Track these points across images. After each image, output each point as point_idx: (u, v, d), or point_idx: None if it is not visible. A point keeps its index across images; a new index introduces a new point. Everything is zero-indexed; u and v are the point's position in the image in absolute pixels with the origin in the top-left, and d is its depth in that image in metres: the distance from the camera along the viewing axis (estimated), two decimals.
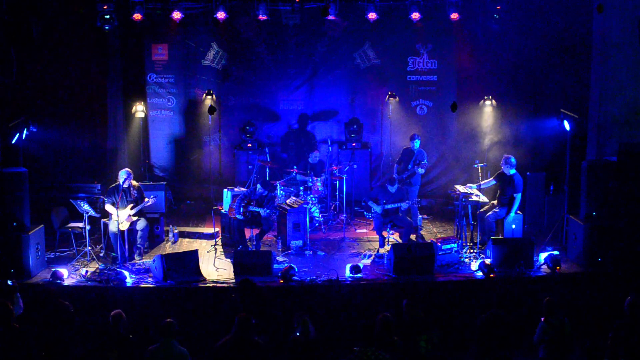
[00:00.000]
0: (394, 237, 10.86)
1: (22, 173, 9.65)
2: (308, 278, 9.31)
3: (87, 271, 9.53)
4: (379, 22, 12.99)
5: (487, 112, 13.40)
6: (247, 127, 13.47)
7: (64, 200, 11.10)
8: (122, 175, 10.29)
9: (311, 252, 10.62)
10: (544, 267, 9.70)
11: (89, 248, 10.17)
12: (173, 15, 12.66)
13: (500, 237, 10.42)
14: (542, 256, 9.80)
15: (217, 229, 11.19)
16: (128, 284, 9.17)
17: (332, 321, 8.75)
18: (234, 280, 9.29)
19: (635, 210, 9.70)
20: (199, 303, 8.97)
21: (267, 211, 10.37)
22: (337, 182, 12.26)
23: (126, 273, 9.30)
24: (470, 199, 10.52)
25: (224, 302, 8.74)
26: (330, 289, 9.10)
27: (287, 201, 11.20)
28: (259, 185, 10.60)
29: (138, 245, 10.33)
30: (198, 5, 12.94)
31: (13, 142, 10.30)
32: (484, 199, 10.79)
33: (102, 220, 10.63)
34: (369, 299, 9.07)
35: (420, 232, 11.64)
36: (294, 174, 12.29)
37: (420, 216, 11.80)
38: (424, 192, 13.30)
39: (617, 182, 9.75)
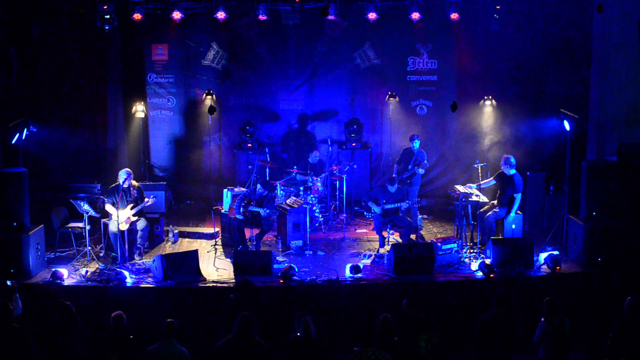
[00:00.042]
0: (394, 237, 10.86)
1: (22, 173, 9.64)
2: (308, 278, 9.31)
3: (87, 271, 9.53)
4: (379, 22, 12.99)
5: (487, 112, 13.40)
6: (247, 127, 13.47)
7: (64, 200, 11.11)
8: (122, 175, 10.29)
9: (311, 252, 10.62)
10: (544, 267, 9.70)
11: (89, 248, 10.17)
12: (173, 15, 12.66)
13: (500, 237, 10.41)
14: (542, 256, 9.80)
15: (217, 229, 11.19)
16: (128, 284, 9.17)
17: (332, 321, 8.74)
18: (234, 280, 9.29)
19: (635, 210, 9.70)
20: (199, 303, 8.97)
21: (267, 211, 10.37)
22: (337, 182, 12.26)
23: (126, 273, 9.30)
24: (470, 199, 10.52)
25: (224, 302, 8.73)
26: (330, 289, 9.09)
27: (287, 201, 11.20)
28: (259, 185, 10.60)
29: (138, 245, 10.33)
30: (198, 5, 12.94)
31: (13, 142, 10.30)
32: (484, 199, 10.79)
33: (102, 220, 10.63)
34: (369, 299, 9.07)
35: (420, 232, 11.64)
36: (294, 174, 12.30)
37: (420, 216, 11.80)
38: (424, 192, 13.31)
39: (617, 182, 9.75)
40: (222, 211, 11.31)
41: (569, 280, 9.50)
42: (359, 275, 9.38)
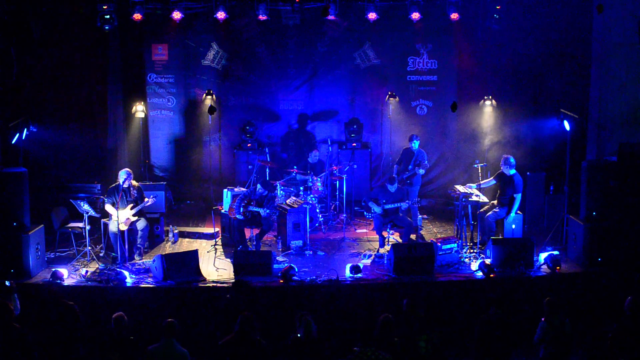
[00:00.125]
0: (394, 237, 10.86)
1: (22, 173, 9.64)
2: (308, 278, 9.30)
3: (87, 271, 9.53)
4: (379, 22, 12.98)
5: (487, 112, 13.40)
6: (247, 127, 13.46)
7: (64, 200, 11.11)
8: (122, 175, 10.29)
9: (311, 252, 10.62)
10: (544, 267, 9.70)
11: (89, 248, 10.17)
12: (173, 15, 12.65)
13: (500, 237, 10.42)
14: (542, 256, 9.80)
15: (217, 229, 11.19)
16: (128, 284, 9.17)
17: (332, 321, 8.75)
18: (233, 281, 9.28)
19: (635, 210, 9.70)
20: (199, 303, 8.97)
21: (267, 211, 10.36)
22: (337, 182, 12.26)
23: (126, 273, 9.30)
24: (470, 199, 10.52)
25: (221, 302, 8.74)
26: (330, 289, 9.10)
27: (287, 201, 11.20)
28: (259, 185, 10.60)
29: (138, 245, 10.33)
30: (198, 5, 12.94)
31: (13, 142, 10.30)
32: (484, 199, 10.80)
33: (102, 220, 10.63)
34: (369, 299, 9.07)
35: (420, 232, 11.63)
36: (294, 174, 12.30)
37: (420, 216, 11.80)
38: (424, 192, 13.30)
39: (617, 182, 9.75)
40: (222, 211, 11.31)
41: (569, 280, 9.50)
42: (359, 275, 9.38)
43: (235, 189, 11.52)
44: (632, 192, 9.70)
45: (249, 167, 13.24)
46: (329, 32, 13.56)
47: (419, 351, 7.03)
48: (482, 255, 10.09)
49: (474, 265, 9.76)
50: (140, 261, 10.11)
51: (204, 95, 13.50)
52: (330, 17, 12.83)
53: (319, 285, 9.15)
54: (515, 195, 10.34)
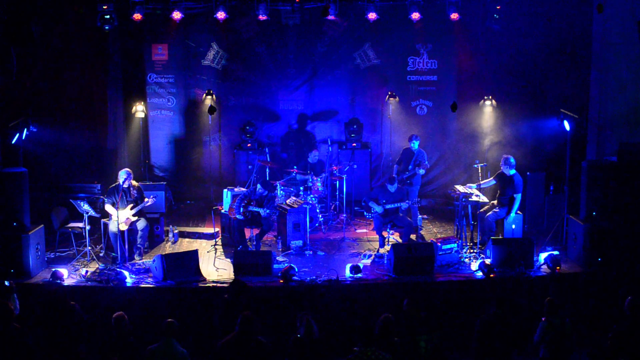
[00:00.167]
0: (394, 237, 10.86)
1: (22, 173, 9.65)
2: (308, 278, 9.30)
3: (87, 271, 9.53)
4: (379, 22, 12.98)
5: (487, 112, 13.41)
6: (247, 127, 13.46)
7: (64, 200, 11.11)
8: (122, 175, 10.29)
9: (311, 252, 10.62)
10: (544, 267, 9.69)
11: (89, 248, 10.17)
12: (173, 15, 12.65)
13: (500, 237, 10.42)
14: (542, 256, 9.79)
15: (217, 229, 11.19)
16: (128, 284, 9.16)
17: (332, 321, 8.74)
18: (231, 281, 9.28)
19: (635, 210, 9.70)
20: (199, 303, 8.96)
21: (267, 211, 10.37)
22: (337, 182, 12.26)
23: (126, 273, 9.29)
24: (470, 199, 10.52)
25: (223, 302, 8.73)
26: (330, 289, 9.09)
27: (287, 201, 11.20)
28: (259, 185, 10.60)
29: (138, 245, 10.33)
30: (198, 5, 12.94)
31: (13, 142, 10.29)
32: (484, 199, 10.80)
33: (102, 220, 10.63)
34: (369, 299, 9.07)
35: (420, 232, 11.64)
36: (294, 174, 12.30)
37: (420, 216, 11.80)
38: (424, 192, 13.31)
39: (617, 182, 9.75)
40: (222, 211, 11.31)
41: (569, 280, 9.50)
42: (359, 275, 9.38)
43: (235, 189, 11.53)
44: (632, 192, 9.70)
45: (249, 167, 13.24)
46: (329, 32, 13.56)
47: (419, 351, 7.03)
48: (482, 255, 10.09)
49: (474, 265, 9.76)
50: (140, 261, 10.11)
51: (204, 95, 13.50)
52: (330, 17, 12.83)
53: (319, 285, 9.14)
54: (515, 195, 10.34)
